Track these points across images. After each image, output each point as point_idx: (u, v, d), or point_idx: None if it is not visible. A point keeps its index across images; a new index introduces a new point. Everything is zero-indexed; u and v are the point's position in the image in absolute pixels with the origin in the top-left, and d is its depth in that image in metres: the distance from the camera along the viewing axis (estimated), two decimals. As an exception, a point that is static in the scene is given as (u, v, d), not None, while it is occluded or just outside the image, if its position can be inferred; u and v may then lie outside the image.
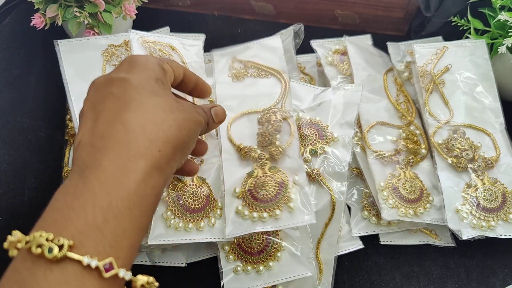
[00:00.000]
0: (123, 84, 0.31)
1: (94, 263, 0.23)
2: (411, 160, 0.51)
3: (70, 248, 0.23)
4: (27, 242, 0.23)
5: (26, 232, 0.49)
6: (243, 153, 0.47)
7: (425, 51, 0.56)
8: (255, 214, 0.44)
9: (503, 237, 0.46)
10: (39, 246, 0.23)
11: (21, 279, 0.23)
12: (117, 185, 0.26)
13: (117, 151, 0.27)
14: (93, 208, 0.25)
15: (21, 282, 0.23)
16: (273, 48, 0.55)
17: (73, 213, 0.25)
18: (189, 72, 0.38)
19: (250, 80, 0.53)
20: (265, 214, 0.44)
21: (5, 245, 0.25)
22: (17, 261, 0.24)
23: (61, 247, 0.23)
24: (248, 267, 0.44)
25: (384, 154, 0.51)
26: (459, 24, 0.60)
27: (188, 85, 0.38)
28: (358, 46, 0.59)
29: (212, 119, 0.37)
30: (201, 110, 0.36)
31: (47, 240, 0.23)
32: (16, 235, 0.24)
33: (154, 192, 0.28)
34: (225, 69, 0.54)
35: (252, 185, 0.45)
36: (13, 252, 0.25)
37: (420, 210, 0.48)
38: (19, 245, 0.24)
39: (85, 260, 0.23)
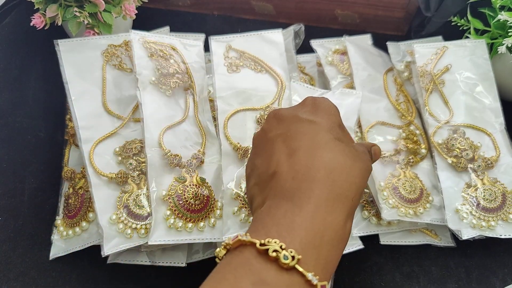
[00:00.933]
0: (312, 125, 0.33)
1: (315, 281, 0.26)
2: (411, 160, 0.51)
3: (298, 261, 0.26)
4: (261, 244, 0.26)
5: (25, 231, 0.49)
6: (240, 153, 0.47)
7: (425, 51, 0.56)
8: (251, 218, 0.44)
9: (502, 237, 0.46)
10: (275, 251, 0.26)
11: (255, 270, 0.26)
12: (330, 217, 0.29)
13: (325, 185, 0.30)
14: (312, 231, 0.28)
15: (256, 272, 0.26)
16: (273, 42, 0.55)
17: (295, 230, 0.27)
18: None
19: (246, 71, 0.53)
20: None
21: (228, 241, 0.28)
22: (246, 254, 0.27)
23: (292, 258, 0.26)
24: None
25: (384, 154, 0.51)
26: (459, 24, 0.60)
27: None
28: (358, 46, 0.59)
29: (370, 157, 0.38)
30: (366, 151, 0.36)
31: (281, 248, 0.26)
32: (247, 236, 0.27)
33: (349, 236, 0.30)
34: (221, 59, 0.54)
35: None
36: (221, 253, 0.28)
37: (420, 210, 0.48)
38: (257, 247, 0.26)
39: (309, 276, 0.26)
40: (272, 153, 0.33)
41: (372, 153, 0.38)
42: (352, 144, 0.35)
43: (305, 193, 0.29)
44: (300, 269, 0.26)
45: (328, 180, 0.30)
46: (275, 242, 0.26)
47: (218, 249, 0.29)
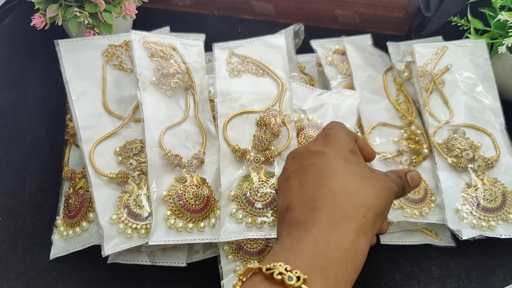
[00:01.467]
0: (322, 155, 0.35)
1: None
2: (414, 161, 0.51)
3: (304, 281, 0.27)
4: (267, 269, 0.27)
5: (25, 231, 0.49)
6: (238, 155, 0.47)
7: (425, 51, 0.56)
8: (249, 219, 0.44)
9: (503, 237, 0.46)
10: (280, 274, 0.27)
11: None
12: (334, 238, 0.30)
13: (328, 210, 0.31)
14: (316, 252, 0.29)
15: None
16: (276, 47, 0.55)
17: (301, 253, 0.29)
18: (359, 139, 0.41)
19: (247, 76, 0.53)
20: (259, 220, 0.44)
21: (240, 271, 0.29)
22: (254, 281, 0.28)
23: (297, 278, 0.27)
24: (248, 267, 0.44)
25: (387, 155, 0.51)
26: (459, 24, 0.60)
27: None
28: (357, 46, 0.59)
29: (407, 184, 0.38)
30: (394, 176, 0.37)
31: (286, 270, 0.27)
32: (254, 264, 0.29)
33: (363, 254, 0.31)
34: (224, 64, 0.54)
35: (247, 189, 0.45)
36: (238, 285, 0.29)
37: (425, 210, 0.48)
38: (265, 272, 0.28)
39: None
40: (287, 189, 0.35)
41: (409, 179, 0.38)
42: (368, 167, 0.36)
43: (310, 219, 0.31)
44: (305, 287, 0.26)
45: (332, 204, 0.31)
46: (280, 265, 0.27)
47: (235, 282, 0.30)
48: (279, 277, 0.27)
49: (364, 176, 0.34)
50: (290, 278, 0.26)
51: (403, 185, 0.38)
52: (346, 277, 0.29)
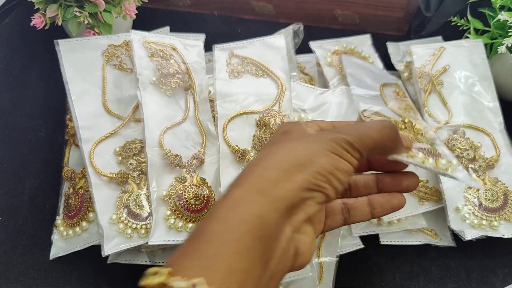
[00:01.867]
0: (258, 156, 0.32)
1: (181, 284, 0.24)
2: None
3: (169, 274, 0.25)
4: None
5: (25, 231, 0.49)
6: (238, 155, 0.47)
7: (422, 52, 0.56)
8: None
9: (505, 236, 0.46)
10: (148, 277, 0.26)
11: None
12: (212, 212, 0.28)
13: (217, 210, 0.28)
14: (193, 234, 0.27)
15: None
16: (276, 47, 0.55)
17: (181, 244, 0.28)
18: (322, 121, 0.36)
19: (247, 77, 0.53)
20: None
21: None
22: None
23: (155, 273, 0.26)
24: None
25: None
26: (459, 24, 0.60)
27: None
28: (355, 63, 0.58)
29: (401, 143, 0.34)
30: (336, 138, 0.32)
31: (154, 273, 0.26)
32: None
33: (254, 215, 0.27)
34: (224, 66, 0.54)
35: None
36: None
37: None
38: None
39: (174, 284, 0.24)
40: None
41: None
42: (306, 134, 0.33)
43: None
44: (168, 280, 0.25)
45: (247, 198, 0.28)
46: (151, 270, 0.26)
47: None
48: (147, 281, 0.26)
49: (284, 144, 0.31)
50: (151, 278, 0.26)
51: (395, 138, 0.33)
52: (224, 249, 0.26)
